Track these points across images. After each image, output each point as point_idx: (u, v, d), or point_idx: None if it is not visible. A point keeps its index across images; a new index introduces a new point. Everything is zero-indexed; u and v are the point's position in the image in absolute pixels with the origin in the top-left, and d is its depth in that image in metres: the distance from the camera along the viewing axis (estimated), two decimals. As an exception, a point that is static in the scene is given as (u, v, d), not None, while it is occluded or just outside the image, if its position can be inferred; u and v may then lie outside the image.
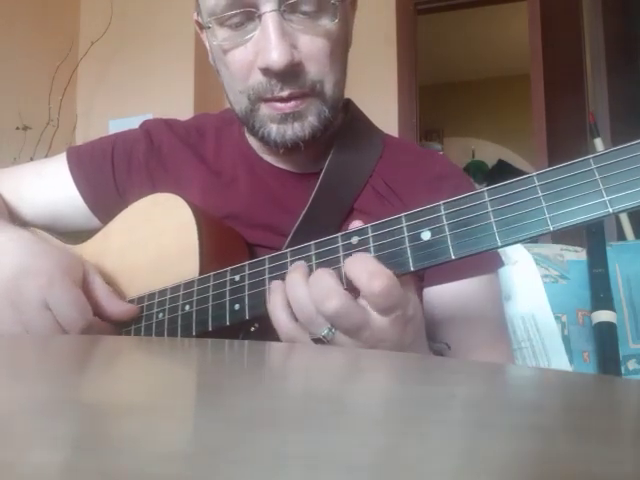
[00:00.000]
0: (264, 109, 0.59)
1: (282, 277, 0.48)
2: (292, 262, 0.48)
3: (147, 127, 0.76)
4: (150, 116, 0.82)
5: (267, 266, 0.50)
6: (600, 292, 0.84)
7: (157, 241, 0.62)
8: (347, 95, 0.68)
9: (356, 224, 0.47)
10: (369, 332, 0.43)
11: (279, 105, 0.58)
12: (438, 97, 4.40)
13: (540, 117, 2.12)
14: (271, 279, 0.49)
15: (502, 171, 4.37)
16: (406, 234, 0.44)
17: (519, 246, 0.89)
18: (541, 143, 2.13)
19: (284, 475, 0.13)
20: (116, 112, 2.36)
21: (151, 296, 0.59)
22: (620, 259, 0.87)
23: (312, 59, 0.57)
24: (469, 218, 0.42)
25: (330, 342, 0.44)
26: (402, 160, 0.70)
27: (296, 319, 0.45)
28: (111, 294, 0.57)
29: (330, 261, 0.46)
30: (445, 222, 0.43)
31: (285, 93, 0.57)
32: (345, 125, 0.70)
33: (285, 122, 0.59)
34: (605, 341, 0.81)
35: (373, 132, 0.74)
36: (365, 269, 0.42)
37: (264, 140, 0.62)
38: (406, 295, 0.44)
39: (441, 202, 0.43)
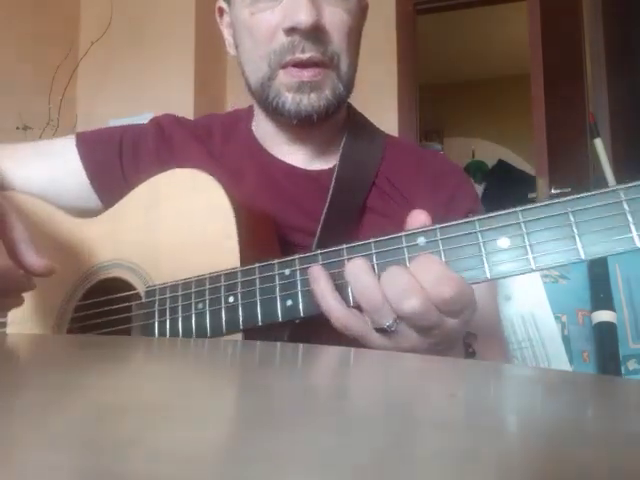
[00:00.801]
0: (282, 76, 0.61)
1: (337, 275, 0.46)
2: (349, 259, 0.46)
3: (158, 120, 0.76)
4: (150, 116, 0.81)
5: (320, 262, 0.47)
6: (600, 292, 0.84)
7: (185, 220, 0.57)
8: (347, 95, 0.68)
9: (421, 217, 0.45)
10: (438, 331, 0.43)
11: (297, 72, 0.60)
12: (438, 97, 4.39)
13: (540, 117, 2.12)
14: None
15: (502, 171, 4.36)
16: (481, 240, 0.42)
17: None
18: (541, 143, 2.13)
19: (285, 475, 0.13)
20: (116, 112, 2.35)
21: (187, 285, 0.54)
22: (620, 259, 0.87)
23: (334, 29, 0.60)
24: (550, 229, 0.40)
25: (394, 332, 0.43)
26: (404, 159, 0.71)
27: (348, 305, 0.45)
28: (30, 243, 0.51)
29: (393, 262, 0.44)
30: (524, 230, 0.41)
31: (306, 55, 0.59)
32: (349, 125, 0.71)
33: (302, 91, 0.60)
34: (605, 341, 0.81)
35: (375, 132, 0.75)
36: (434, 274, 0.41)
37: (278, 111, 0.62)
38: (473, 295, 0.43)
39: (519, 208, 0.41)
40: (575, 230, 0.39)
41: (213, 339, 0.52)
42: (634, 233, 0.38)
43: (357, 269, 0.44)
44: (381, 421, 0.19)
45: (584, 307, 0.85)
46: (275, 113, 0.64)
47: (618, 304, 0.84)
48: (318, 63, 0.60)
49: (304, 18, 0.57)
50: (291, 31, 0.59)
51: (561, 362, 0.83)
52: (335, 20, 0.60)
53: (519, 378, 0.30)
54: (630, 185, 0.38)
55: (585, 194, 0.40)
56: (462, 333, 0.47)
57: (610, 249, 0.38)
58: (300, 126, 0.64)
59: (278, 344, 0.43)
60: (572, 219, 0.40)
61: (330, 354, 0.37)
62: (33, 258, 0.50)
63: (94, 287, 0.62)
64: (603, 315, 0.82)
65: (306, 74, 0.60)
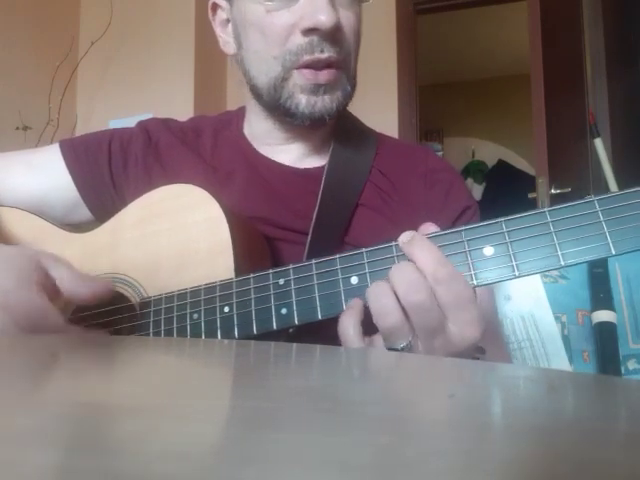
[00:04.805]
0: (296, 77, 0.61)
1: (331, 284, 0.48)
2: (342, 269, 0.48)
3: (144, 125, 0.76)
4: (150, 116, 0.81)
5: (315, 272, 0.49)
6: (600, 292, 0.84)
7: (181, 235, 0.58)
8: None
9: (431, 228, 0.46)
10: (442, 338, 0.43)
11: (313, 74, 0.60)
12: (438, 97, 4.39)
13: (540, 117, 2.11)
14: (320, 285, 0.49)
15: (502, 171, 4.36)
16: (467, 249, 0.44)
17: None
18: (541, 143, 2.12)
19: (285, 475, 0.13)
20: (116, 112, 2.35)
21: (182, 296, 0.55)
22: (620, 259, 0.87)
23: (348, 31, 0.62)
24: (532, 237, 0.43)
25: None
26: (397, 155, 0.72)
27: (363, 338, 0.46)
28: (77, 280, 0.51)
29: (384, 272, 0.46)
30: (508, 239, 0.43)
31: (325, 55, 0.60)
32: (339, 123, 0.71)
33: (316, 94, 0.61)
34: (605, 341, 0.81)
35: (365, 130, 0.75)
36: (433, 256, 0.43)
37: (290, 112, 0.63)
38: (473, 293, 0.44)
39: (502, 219, 0.44)
40: (555, 238, 0.42)
41: (211, 339, 0.52)
42: (609, 240, 0.40)
43: (378, 290, 0.45)
44: (381, 421, 0.19)
45: (584, 307, 0.85)
46: (286, 115, 0.64)
47: (618, 304, 0.84)
48: (334, 64, 0.60)
49: (325, 19, 0.57)
50: (310, 32, 0.59)
51: (561, 362, 0.83)
52: (349, 23, 0.61)
53: (519, 378, 0.30)
54: (604, 197, 0.41)
55: (564, 205, 0.42)
56: (466, 348, 0.45)
57: (589, 256, 0.41)
58: (310, 126, 0.65)
59: (273, 344, 0.43)
60: (552, 228, 0.42)
61: (329, 354, 0.37)
62: (84, 292, 0.50)
63: None
64: (603, 315, 0.82)
65: (321, 77, 0.60)
